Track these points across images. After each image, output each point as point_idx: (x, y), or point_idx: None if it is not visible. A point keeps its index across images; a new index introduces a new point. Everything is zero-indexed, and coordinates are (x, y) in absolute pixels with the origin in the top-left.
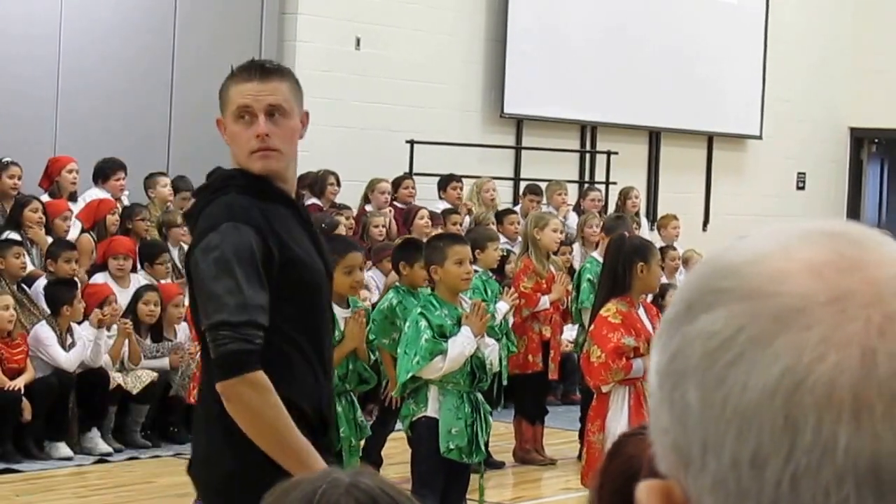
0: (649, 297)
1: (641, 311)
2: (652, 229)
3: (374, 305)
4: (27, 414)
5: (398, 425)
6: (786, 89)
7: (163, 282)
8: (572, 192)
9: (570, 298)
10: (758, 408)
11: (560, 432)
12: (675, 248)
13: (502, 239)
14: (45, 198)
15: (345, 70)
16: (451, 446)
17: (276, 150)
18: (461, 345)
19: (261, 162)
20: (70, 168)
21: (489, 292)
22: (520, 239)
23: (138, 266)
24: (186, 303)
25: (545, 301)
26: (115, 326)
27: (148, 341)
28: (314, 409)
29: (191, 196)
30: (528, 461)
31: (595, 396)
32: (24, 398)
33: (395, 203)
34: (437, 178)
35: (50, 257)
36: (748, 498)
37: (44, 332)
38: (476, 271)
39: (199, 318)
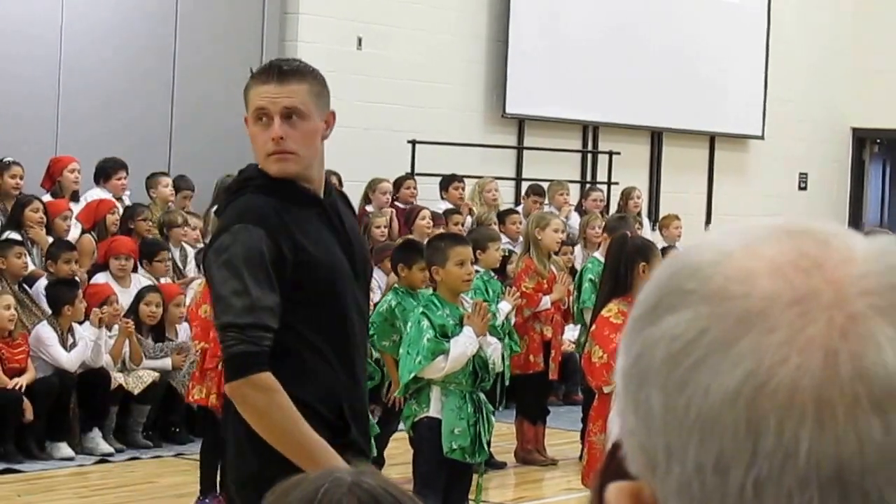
0: None
1: None
2: (654, 229)
3: (374, 306)
4: (29, 414)
5: (400, 426)
6: (788, 89)
7: (163, 281)
8: (574, 193)
9: (571, 299)
10: (720, 413)
11: (561, 433)
12: (676, 249)
13: (504, 239)
14: (47, 198)
15: (346, 70)
16: (454, 446)
17: (291, 153)
18: (463, 345)
19: (276, 165)
20: (72, 168)
21: (490, 292)
22: (521, 239)
23: (138, 265)
24: (187, 302)
25: (546, 301)
26: (115, 326)
27: (149, 341)
28: (332, 408)
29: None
30: (529, 462)
31: (596, 397)
32: (25, 398)
33: (396, 203)
34: (439, 179)
35: (50, 258)
36: (712, 502)
37: (45, 332)
38: (477, 271)
39: None
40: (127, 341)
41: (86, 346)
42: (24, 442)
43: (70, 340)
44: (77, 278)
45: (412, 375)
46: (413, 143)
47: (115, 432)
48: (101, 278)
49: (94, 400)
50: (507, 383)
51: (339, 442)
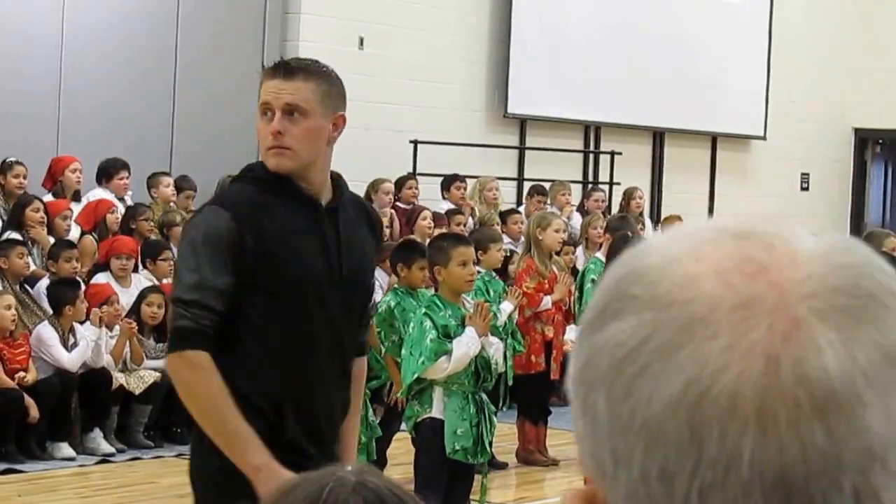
0: None
1: None
2: (656, 230)
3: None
4: (34, 412)
5: (402, 426)
6: (790, 90)
7: (165, 281)
8: (576, 193)
9: (573, 299)
10: (663, 420)
11: (563, 433)
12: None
13: (506, 239)
14: (49, 198)
15: (348, 70)
16: (457, 447)
17: (288, 149)
18: (466, 345)
19: (273, 159)
20: (73, 168)
21: (491, 292)
22: (522, 239)
23: (139, 265)
24: None
25: (547, 301)
26: (116, 326)
27: (151, 342)
28: (271, 403)
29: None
30: (531, 462)
31: None
32: (28, 397)
33: (398, 203)
34: (441, 179)
35: (51, 258)
36: None
37: (46, 332)
38: (479, 272)
39: None
40: (127, 341)
41: (86, 346)
42: (25, 442)
43: (71, 340)
44: (78, 278)
45: (415, 376)
46: (415, 143)
47: (117, 432)
48: (101, 278)
49: (95, 400)
50: (510, 383)
51: (271, 437)
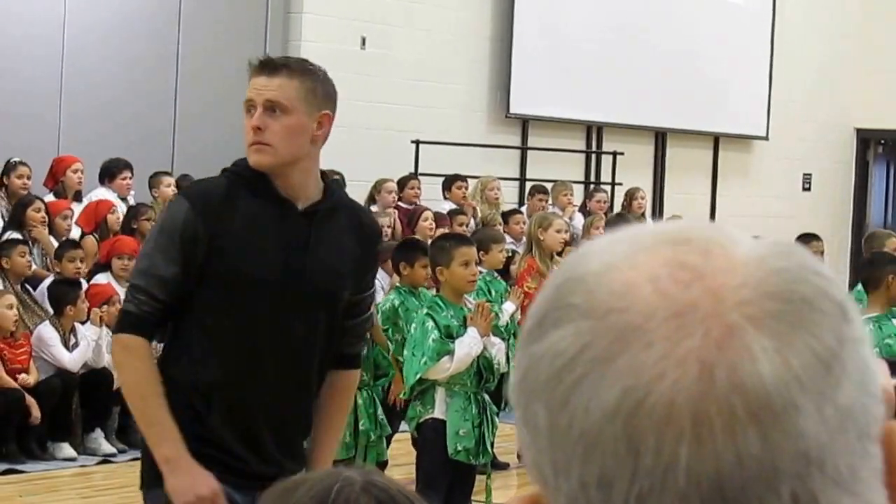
0: None
1: None
2: None
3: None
4: (35, 412)
5: (403, 426)
6: (792, 90)
7: None
8: (578, 193)
9: None
10: (600, 431)
11: None
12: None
13: (508, 239)
14: (51, 198)
15: (350, 70)
16: (459, 448)
17: (268, 145)
18: (468, 345)
19: (253, 156)
20: (75, 168)
21: (493, 293)
22: (524, 239)
23: None
24: None
25: None
26: None
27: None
28: (202, 397)
29: None
30: None
31: None
32: (29, 396)
33: (399, 203)
34: (442, 179)
35: (56, 258)
36: None
37: (47, 332)
38: (480, 272)
39: None
40: None
41: (87, 346)
42: (26, 442)
43: (72, 341)
44: (80, 278)
45: (417, 377)
46: (416, 143)
47: (118, 433)
48: (102, 278)
49: (96, 400)
50: None
51: (196, 430)
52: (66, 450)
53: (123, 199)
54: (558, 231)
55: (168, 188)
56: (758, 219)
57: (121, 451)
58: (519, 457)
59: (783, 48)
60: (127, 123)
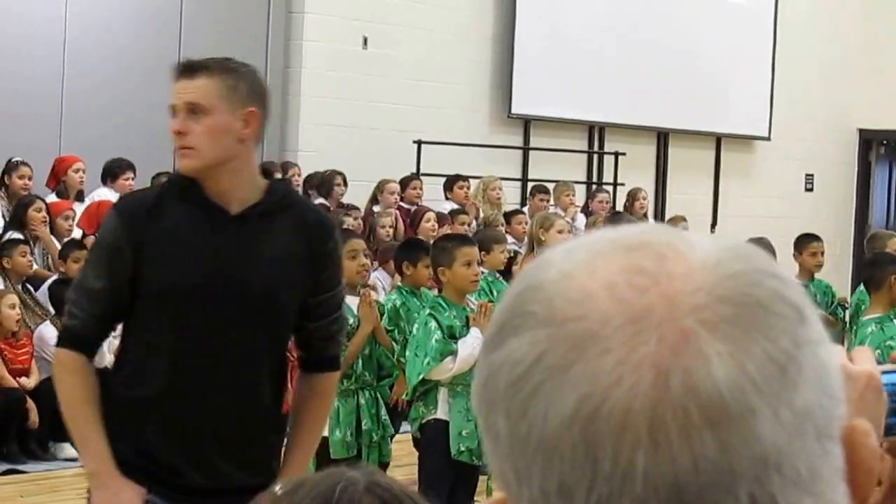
0: None
1: None
2: None
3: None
4: (34, 416)
5: (405, 427)
6: (794, 90)
7: None
8: (580, 193)
9: None
10: (558, 439)
11: None
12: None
13: (510, 239)
14: (52, 198)
15: (351, 70)
16: (462, 448)
17: (191, 149)
18: (471, 345)
19: (180, 161)
20: (77, 167)
21: (495, 293)
22: (526, 239)
23: None
24: None
25: None
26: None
27: None
28: (137, 410)
29: None
30: None
31: None
32: (29, 400)
33: (401, 204)
34: (444, 179)
35: (61, 258)
36: None
37: (48, 332)
38: (482, 273)
39: None
40: None
41: None
42: (27, 442)
43: None
44: None
45: (420, 377)
46: (418, 143)
47: None
48: None
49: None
50: None
51: (129, 442)
52: (68, 450)
53: None
54: (560, 231)
55: None
56: (760, 219)
57: None
58: None
59: (785, 48)
60: (128, 124)
